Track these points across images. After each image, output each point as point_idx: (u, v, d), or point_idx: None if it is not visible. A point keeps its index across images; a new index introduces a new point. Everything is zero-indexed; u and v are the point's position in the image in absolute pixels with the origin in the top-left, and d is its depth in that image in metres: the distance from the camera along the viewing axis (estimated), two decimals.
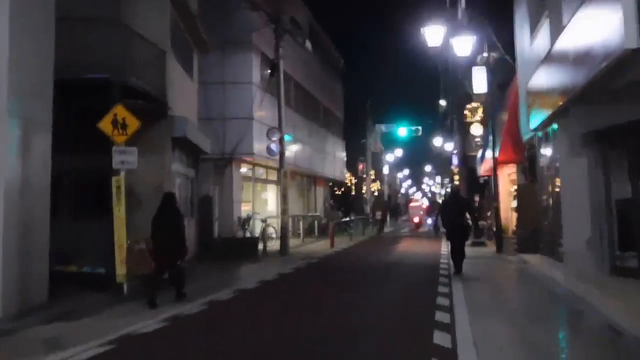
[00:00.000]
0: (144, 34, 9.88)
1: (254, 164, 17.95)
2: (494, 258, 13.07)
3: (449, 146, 39.59)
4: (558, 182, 10.32)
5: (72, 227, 9.32)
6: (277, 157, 14.99)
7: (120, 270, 7.95)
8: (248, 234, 15.86)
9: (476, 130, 14.33)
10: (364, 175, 32.53)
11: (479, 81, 13.63)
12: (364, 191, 33.86)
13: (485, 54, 13.77)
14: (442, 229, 10.79)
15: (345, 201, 39.82)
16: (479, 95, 13.98)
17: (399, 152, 50.41)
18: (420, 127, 30.07)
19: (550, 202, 11.51)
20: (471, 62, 14.23)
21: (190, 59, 13.43)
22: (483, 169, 19.67)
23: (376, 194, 52.06)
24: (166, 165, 10.71)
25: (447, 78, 26.39)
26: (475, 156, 30.77)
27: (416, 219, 28.53)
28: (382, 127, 31.03)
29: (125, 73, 9.15)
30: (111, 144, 8.19)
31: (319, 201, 27.37)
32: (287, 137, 21.53)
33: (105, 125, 8.05)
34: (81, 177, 9.81)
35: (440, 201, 34.45)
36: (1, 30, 6.77)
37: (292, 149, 20.18)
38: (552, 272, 9.37)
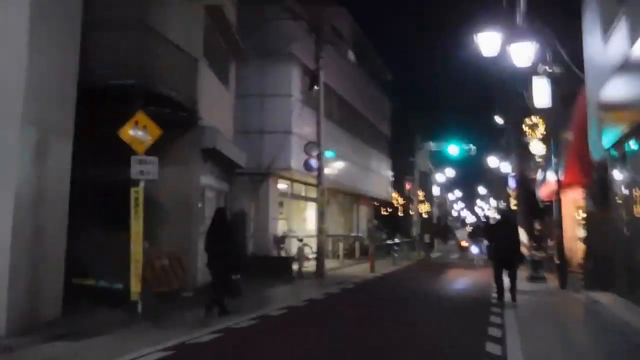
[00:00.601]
0: (175, 40, 9.35)
1: (292, 180, 17.13)
2: (557, 295, 11.45)
3: (505, 167, 37.42)
4: (639, 209, 8.74)
5: (92, 240, 8.78)
6: (316, 173, 14.08)
7: (135, 286, 7.25)
8: (283, 253, 14.97)
9: (537, 148, 12.81)
10: (411, 195, 31.02)
11: (541, 93, 12.16)
12: (411, 212, 32.31)
13: (547, 64, 12.34)
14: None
15: (391, 222, 38.31)
16: (540, 109, 12.49)
17: (450, 172, 48.32)
18: (473, 146, 28.38)
19: (626, 231, 9.86)
20: (531, 73, 12.80)
21: (226, 68, 12.86)
22: (544, 193, 17.87)
23: (425, 215, 50.18)
24: (194, 178, 10.04)
25: (504, 91, 24.73)
26: (534, 179, 28.55)
27: (464, 243, 26.84)
28: (431, 145, 29.53)
29: (152, 80, 8.60)
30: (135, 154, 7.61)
31: (362, 221, 26.19)
32: (329, 154, 20.81)
33: (125, 133, 7.45)
34: (103, 187, 9.28)
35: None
36: (20, 33, 6.40)
37: (333, 166, 19.25)
38: (632, 317, 7.79)
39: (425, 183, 46.60)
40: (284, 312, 8.18)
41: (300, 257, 14.15)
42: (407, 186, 30.81)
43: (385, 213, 44.51)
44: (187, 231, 9.72)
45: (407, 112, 32.18)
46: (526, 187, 29.72)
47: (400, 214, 40.49)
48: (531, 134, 12.83)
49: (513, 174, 34.47)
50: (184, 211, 9.63)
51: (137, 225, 7.21)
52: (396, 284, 13.04)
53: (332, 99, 19.98)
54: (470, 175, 62.07)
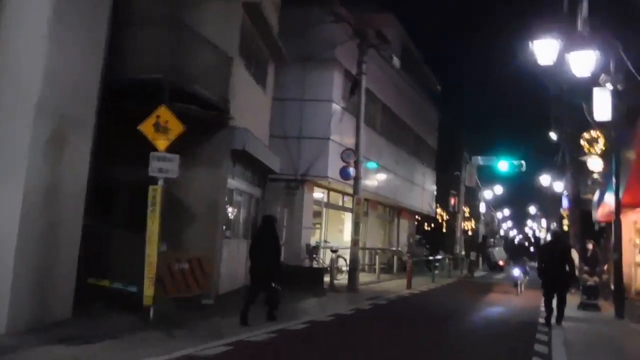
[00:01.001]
0: (209, 37, 9.10)
1: (329, 189, 16.62)
2: (612, 325, 10.30)
3: (559, 186, 35.50)
4: None
5: (115, 240, 8.58)
6: (352, 182, 13.52)
7: (148, 290, 6.93)
8: (315, 264, 14.44)
9: (595, 165, 11.67)
10: (456, 211, 29.78)
11: (602, 106, 11.08)
12: (455, 229, 31.03)
13: (610, 74, 11.27)
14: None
15: (434, 238, 36.95)
16: (600, 123, 11.41)
17: (498, 190, 46.34)
18: (524, 162, 26.89)
19: None
20: (591, 84, 11.73)
21: (263, 70, 12.58)
22: (600, 214, 16.51)
23: (470, 233, 48.28)
24: (222, 180, 9.73)
25: (560, 104, 23.28)
26: (590, 199, 26.65)
27: (501, 262, 25.52)
28: (479, 160, 28.23)
29: (181, 75, 8.38)
30: None
31: (403, 235, 25.28)
32: (371, 165, 20.14)
33: (146, 128, 7.20)
34: (128, 186, 9.12)
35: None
36: (39, 22, 6.25)
37: (373, 176, 18.63)
38: None
39: (472, 199, 44.86)
40: (305, 327, 7.64)
41: (333, 269, 13.60)
42: (452, 201, 29.60)
43: (428, 228, 43.19)
44: (213, 235, 9.39)
45: (456, 124, 31.14)
46: (580, 207, 27.90)
47: (444, 230, 39.10)
48: (589, 150, 11.74)
49: (566, 193, 32.53)
50: (209, 214, 9.31)
51: (153, 226, 6.91)
52: (431, 303, 12.21)
53: (376, 107, 19.40)
54: (521, 194, 59.46)
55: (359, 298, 11.65)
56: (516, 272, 14.83)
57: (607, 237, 22.62)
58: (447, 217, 37.03)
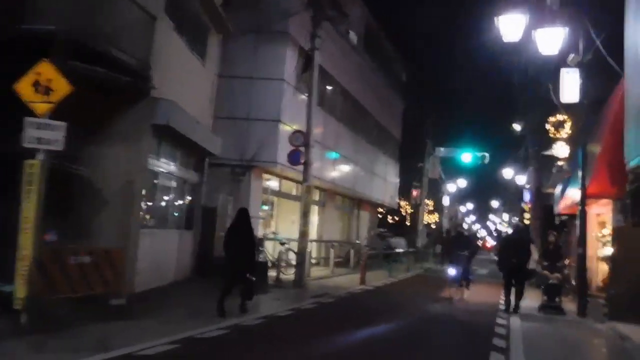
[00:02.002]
0: None
1: (282, 177, 15.37)
2: (575, 326, 9.51)
3: (521, 179, 35.39)
4: None
5: None
6: (301, 167, 12.30)
7: (20, 291, 5.53)
8: (262, 258, 13.17)
9: (561, 150, 10.85)
10: (418, 203, 29.07)
11: (570, 87, 10.26)
12: (418, 221, 30.34)
13: (579, 54, 10.44)
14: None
15: (397, 231, 36.27)
16: (567, 106, 10.58)
17: (462, 183, 46.12)
18: (487, 154, 26.29)
19: None
20: (559, 64, 10.89)
21: (203, 39, 11.19)
22: (563, 205, 15.90)
23: (434, 226, 47.98)
24: (141, 159, 8.33)
25: (525, 94, 22.74)
26: (552, 194, 26.34)
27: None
28: (442, 151, 27.50)
29: (86, 30, 6.92)
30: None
31: (363, 228, 24.30)
32: (332, 155, 18.98)
33: (23, 87, 5.77)
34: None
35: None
36: None
37: (331, 165, 17.50)
38: None
39: (436, 192, 44.51)
40: (220, 334, 6.37)
41: (279, 262, 12.41)
42: (414, 193, 28.85)
43: (392, 221, 42.51)
44: (127, 223, 7.99)
45: (420, 115, 30.30)
46: (542, 201, 27.64)
47: (408, 223, 38.45)
48: (555, 134, 10.88)
49: (528, 187, 32.37)
50: (124, 198, 7.92)
51: (28, 211, 5.52)
52: (384, 300, 11.16)
53: (334, 91, 18.24)
54: (484, 188, 59.72)
55: (304, 295, 10.50)
56: (451, 271, 11.56)
57: (568, 230, 22.31)
58: (412, 210, 36.41)
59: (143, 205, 8.74)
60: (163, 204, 9.84)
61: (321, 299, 10.09)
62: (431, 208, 49.57)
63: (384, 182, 25.38)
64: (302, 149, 11.91)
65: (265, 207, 17.64)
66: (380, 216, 39.86)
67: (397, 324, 8.13)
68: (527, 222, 36.04)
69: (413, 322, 8.67)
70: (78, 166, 7.63)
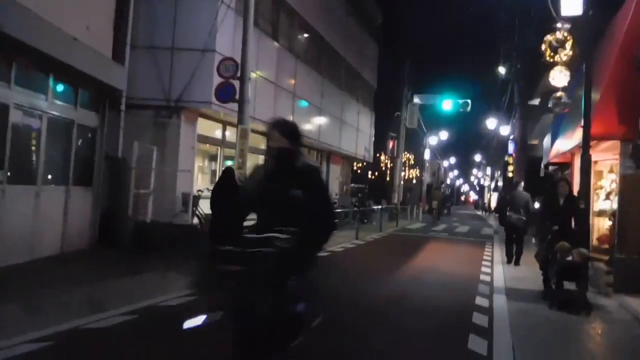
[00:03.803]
0: None
1: (226, 122, 12.83)
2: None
3: (505, 130, 33.38)
4: None
5: None
6: (235, 105, 9.81)
7: None
8: (196, 221, 10.90)
9: (559, 77, 8.51)
10: (395, 155, 26.86)
11: None
12: (395, 175, 28.21)
13: None
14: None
15: (376, 187, 34.28)
16: (566, 19, 8.17)
17: (444, 136, 43.99)
18: (469, 101, 23.94)
19: None
20: None
21: None
22: (555, 152, 13.80)
23: (414, 181, 46.16)
24: None
25: (511, 34, 20.28)
26: (537, 145, 24.37)
27: None
28: (421, 98, 25.03)
29: None
30: None
31: (334, 183, 22.07)
32: (302, 103, 16.46)
33: None
34: None
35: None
36: None
37: (287, 109, 14.98)
38: None
39: (416, 145, 42.40)
40: (112, 326, 4.21)
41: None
42: (391, 144, 26.58)
43: (372, 177, 40.48)
44: None
45: (398, 59, 27.64)
46: (527, 152, 25.69)
47: (388, 178, 36.41)
48: (552, 58, 8.49)
49: (512, 137, 30.41)
50: None
51: None
52: (342, 270, 9.03)
53: (291, 22, 15.51)
54: (467, 142, 57.92)
55: None
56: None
57: (555, 183, 20.40)
58: (391, 164, 34.27)
59: None
60: (27, 151, 7.33)
61: None
62: (412, 162, 47.72)
63: (357, 132, 23.00)
64: (234, 82, 9.37)
65: (230, 163, 15.19)
66: (359, 171, 37.81)
67: (358, 299, 5.96)
68: (510, 174, 34.37)
69: (380, 296, 6.55)
70: None
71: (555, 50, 8.13)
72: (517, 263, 10.68)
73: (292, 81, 15.42)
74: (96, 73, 7.93)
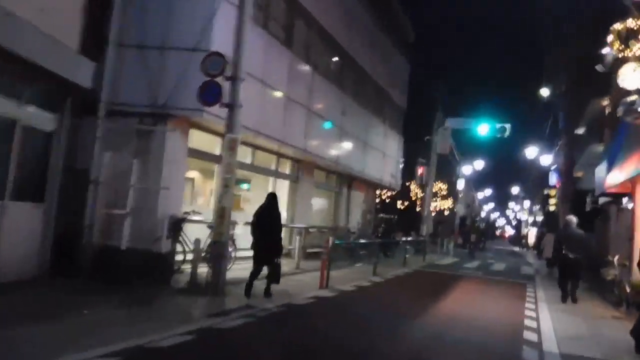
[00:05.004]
0: None
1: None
2: None
3: (546, 159, 30.84)
4: None
5: None
6: (223, 111, 8.17)
7: None
8: (180, 248, 9.19)
9: (632, 77, 6.44)
10: (425, 183, 24.76)
11: None
12: (423, 205, 26.01)
13: None
14: None
15: (405, 218, 31.98)
16: None
17: (479, 165, 41.37)
18: (507, 125, 21.77)
19: None
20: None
21: None
22: (612, 181, 11.67)
23: (446, 213, 43.49)
24: None
25: (557, 49, 18.21)
26: (581, 178, 21.88)
27: None
28: (454, 122, 22.97)
29: None
30: None
31: (356, 211, 20.14)
32: (327, 125, 14.83)
33: None
34: None
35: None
36: None
37: (301, 125, 13.33)
38: None
39: (449, 175, 40.07)
40: None
41: (198, 256, 8.45)
42: (420, 171, 24.52)
43: (401, 206, 38.14)
44: None
45: (430, 80, 25.89)
46: (573, 183, 23.18)
47: (418, 208, 34.08)
48: (622, 51, 6.49)
49: (556, 167, 27.90)
50: None
51: None
52: (343, 317, 7.07)
53: (311, 32, 14.03)
54: (503, 172, 55.01)
55: (203, 313, 6.47)
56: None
57: (606, 217, 17.91)
58: (422, 193, 32.02)
59: None
60: None
61: (225, 320, 6.05)
62: (444, 193, 45.13)
63: (383, 157, 21.12)
64: (217, 76, 7.76)
65: (245, 186, 13.69)
66: (387, 200, 35.66)
67: None
68: (552, 208, 31.54)
69: None
70: None
71: (625, 42, 6.16)
72: (573, 300, 10.44)
73: (307, 95, 13.82)
74: (51, 65, 6.46)
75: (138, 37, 9.41)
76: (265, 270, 8.04)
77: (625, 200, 13.41)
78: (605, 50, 10.75)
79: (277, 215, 8.31)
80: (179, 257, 9.13)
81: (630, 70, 6.47)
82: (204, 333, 5.38)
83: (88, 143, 8.39)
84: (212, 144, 11.14)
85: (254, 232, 8.05)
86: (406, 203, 40.19)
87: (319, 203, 17.40)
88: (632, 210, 11.45)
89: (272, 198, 8.42)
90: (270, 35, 11.76)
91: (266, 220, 8.03)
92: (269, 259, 7.95)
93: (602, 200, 16.76)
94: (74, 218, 7.68)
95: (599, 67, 11.30)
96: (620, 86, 6.81)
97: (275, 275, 7.97)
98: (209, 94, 7.61)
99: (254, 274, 7.88)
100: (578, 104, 20.90)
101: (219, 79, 7.94)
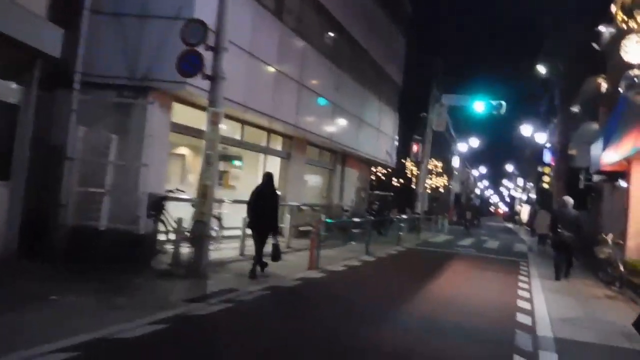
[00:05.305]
0: None
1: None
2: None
3: (541, 137, 30.56)
4: None
5: None
6: (204, 81, 7.71)
7: None
8: (162, 227, 8.84)
9: (636, 50, 6.05)
10: (420, 160, 24.40)
11: None
12: (419, 181, 25.71)
13: None
14: None
15: (401, 196, 31.69)
16: None
17: (474, 143, 41.06)
18: (503, 103, 21.31)
19: None
20: None
21: None
22: (608, 159, 11.38)
23: (442, 190, 43.28)
24: None
25: (558, 27, 17.68)
26: (575, 155, 21.58)
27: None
28: (450, 98, 22.47)
29: None
30: None
31: (349, 189, 19.80)
32: (321, 101, 14.37)
33: None
34: None
35: None
36: None
37: (293, 99, 12.84)
38: None
39: (445, 152, 39.74)
40: None
41: (180, 237, 8.11)
42: (415, 148, 24.13)
43: (397, 184, 37.81)
44: None
45: (427, 55, 25.23)
46: (567, 161, 22.92)
47: (414, 186, 33.76)
48: (627, 22, 6.05)
49: (550, 145, 27.60)
50: None
51: None
52: (329, 301, 6.77)
53: (303, 3, 13.41)
54: (498, 150, 54.67)
55: (181, 298, 6.14)
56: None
57: (598, 196, 17.65)
58: (419, 171, 31.66)
59: None
60: None
61: (196, 307, 5.72)
62: (439, 170, 44.84)
63: (377, 134, 20.69)
64: (197, 47, 7.27)
65: (237, 163, 13.29)
66: (384, 178, 35.29)
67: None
68: (545, 185, 31.33)
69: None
70: None
71: (629, 13, 5.72)
72: (567, 275, 10.77)
73: (299, 69, 13.29)
74: (12, 31, 5.95)
75: (115, 4, 8.87)
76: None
77: (620, 179, 13.15)
78: (603, 28, 10.23)
79: (274, 194, 8.42)
80: (161, 238, 8.78)
81: (634, 42, 6.04)
82: (178, 321, 5.06)
83: (63, 117, 7.91)
84: (200, 119, 10.66)
85: (250, 212, 8.20)
86: (401, 180, 39.91)
87: (311, 180, 17.03)
88: (627, 189, 11.19)
89: (267, 178, 8.52)
90: (260, 4, 11.19)
91: (263, 200, 8.13)
92: (265, 237, 8.17)
93: (596, 178, 16.49)
94: (47, 197, 7.27)
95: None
96: (624, 59, 6.37)
97: (273, 254, 8.30)
98: (188, 64, 7.12)
99: (258, 252, 8.07)
100: (574, 82, 20.47)
101: (200, 49, 7.45)
